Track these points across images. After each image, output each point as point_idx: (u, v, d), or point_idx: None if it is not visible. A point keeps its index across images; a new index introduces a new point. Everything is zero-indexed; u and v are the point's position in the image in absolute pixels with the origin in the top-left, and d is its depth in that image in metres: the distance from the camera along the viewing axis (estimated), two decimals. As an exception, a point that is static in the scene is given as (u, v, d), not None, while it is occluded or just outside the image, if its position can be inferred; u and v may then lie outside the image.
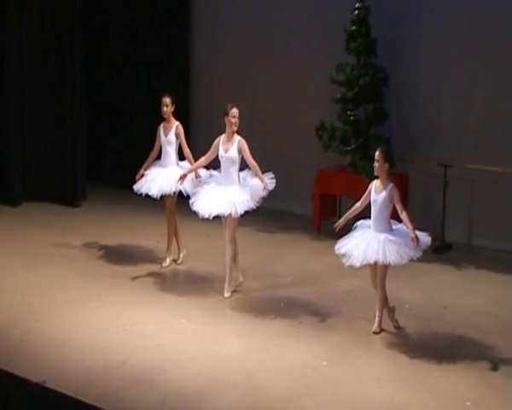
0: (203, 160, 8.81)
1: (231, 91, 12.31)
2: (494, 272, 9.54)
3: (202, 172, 9.02)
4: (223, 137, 8.65)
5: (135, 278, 9.14)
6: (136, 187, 9.39)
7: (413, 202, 10.65)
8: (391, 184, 7.63)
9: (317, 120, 10.72)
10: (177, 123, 9.44)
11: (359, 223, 7.88)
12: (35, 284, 8.93)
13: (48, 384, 6.57)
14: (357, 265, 7.51)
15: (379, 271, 7.65)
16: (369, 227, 7.72)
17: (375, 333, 7.73)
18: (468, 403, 6.49)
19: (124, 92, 12.73)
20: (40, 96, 12.08)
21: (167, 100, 9.39)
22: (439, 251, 10.18)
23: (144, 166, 9.41)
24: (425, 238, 7.63)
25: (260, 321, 8.06)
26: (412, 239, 7.38)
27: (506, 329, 7.95)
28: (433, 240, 10.23)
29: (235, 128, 8.58)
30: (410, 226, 7.42)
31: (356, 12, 10.47)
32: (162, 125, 9.48)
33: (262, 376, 6.93)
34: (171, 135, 9.40)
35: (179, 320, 8.03)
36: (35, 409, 6.31)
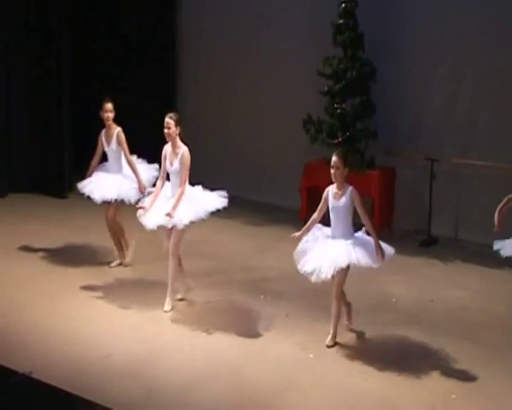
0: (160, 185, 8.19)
1: (218, 86, 12.32)
2: (480, 266, 9.58)
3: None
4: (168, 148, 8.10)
5: (119, 269, 9.11)
6: (79, 186, 9.04)
7: (400, 196, 10.71)
8: (350, 188, 7.20)
9: (304, 112, 10.71)
10: (119, 129, 8.94)
11: (312, 232, 7.33)
12: (20, 276, 8.90)
13: (34, 376, 6.54)
14: (328, 277, 7.03)
15: (338, 277, 7.17)
16: (327, 237, 7.26)
17: (329, 347, 7.31)
18: (453, 396, 6.51)
19: (110, 87, 12.63)
20: (26, 88, 12.03)
21: (109, 105, 8.89)
22: (426, 245, 10.22)
23: (87, 175, 9.05)
24: (389, 250, 7.29)
25: (247, 314, 8.06)
26: (376, 251, 7.06)
27: (492, 322, 7.99)
28: (419, 234, 10.40)
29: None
30: (375, 236, 7.09)
31: (343, 5, 10.46)
32: (103, 132, 9.01)
33: (248, 368, 6.93)
34: (113, 143, 8.95)
35: (167, 312, 8.02)
36: (22, 400, 6.30)
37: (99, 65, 12.97)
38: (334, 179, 7.21)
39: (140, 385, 6.62)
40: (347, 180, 7.24)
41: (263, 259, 9.71)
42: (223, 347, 7.33)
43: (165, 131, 7.96)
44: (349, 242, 7.12)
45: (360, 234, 7.29)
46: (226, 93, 12.35)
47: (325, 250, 7.11)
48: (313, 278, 7.05)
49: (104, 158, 9.19)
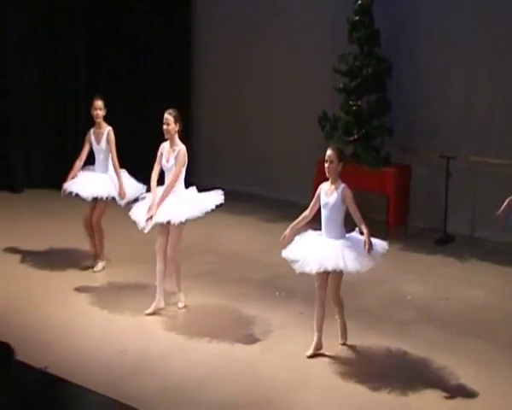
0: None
1: (233, 83, 12.31)
2: (496, 265, 9.54)
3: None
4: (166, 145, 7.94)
5: (134, 265, 9.12)
6: (65, 186, 8.82)
7: (415, 194, 10.68)
8: (342, 185, 6.98)
9: (320, 109, 10.69)
10: (109, 128, 8.76)
11: (307, 233, 7.17)
12: (36, 271, 8.93)
13: (50, 371, 6.56)
14: (313, 272, 6.83)
15: (333, 281, 6.97)
16: (319, 236, 7.07)
17: (309, 357, 7.03)
18: (468, 395, 6.48)
19: (124, 84, 12.65)
20: (42, 86, 12.09)
21: (99, 103, 8.71)
22: (442, 243, 10.19)
23: (70, 176, 8.83)
24: (380, 244, 7.05)
25: (261, 311, 8.05)
26: (365, 243, 6.74)
27: (508, 321, 7.94)
28: (435, 232, 10.37)
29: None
30: (365, 230, 6.79)
31: (359, 2, 10.43)
32: (92, 130, 8.84)
33: (262, 366, 6.92)
34: (103, 142, 8.76)
35: (181, 309, 8.03)
36: (37, 395, 6.32)
37: (113, 61, 12.97)
38: (327, 174, 7.01)
39: (155, 382, 6.63)
40: (342, 176, 7.03)
41: (277, 255, 9.63)
42: (237, 344, 7.33)
43: (164, 127, 7.83)
44: (339, 242, 6.89)
45: (353, 234, 7.04)
46: (241, 90, 12.34)
47: (314, 244, 6.93)
48: (297, 267, 6.89)
49: (89, 160, 8.96)
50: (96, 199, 8.79)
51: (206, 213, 7.86)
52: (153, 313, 7.86)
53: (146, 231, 7.74)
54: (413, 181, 10.65)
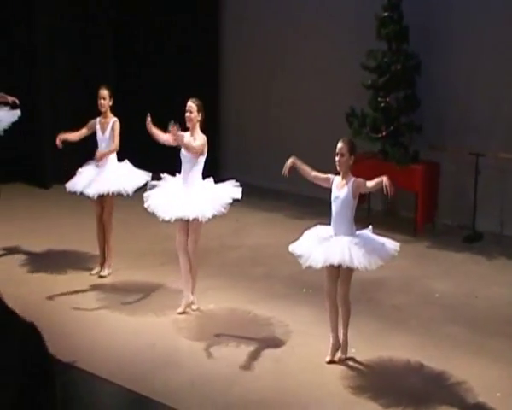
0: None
1: (261, 80, 12.31)
2: (525, 263, 9.47)
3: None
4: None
5: (162, 263, 9.14)
6: (68, 185, 8.67)
7: (444, 191, 10.61)
8: (353, 178, 6.80)
9: (348, 106, 10.66)
10: (115, 119, 8.59)
11: (316, 227, 7.05)
12: (66, 265, 8.99)
13: (78, 365, 6.61)
14: (318, 266, 6.68)
15: (342, 279, 6.76)
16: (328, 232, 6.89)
17: (329, 362, 6.87)
18: (498, 394, 6.44)
19: (152, 89, 12.68)
20: (71, 84, 12.17)
21: (105, 92, 8.54)
22: (470, 241, 10.11)
23: (63, 136, 8.60)
24: (392, 245, 6.85)
25: (289, 307, 8.05)
26: (385, 188, 6.50)
27: (537, 320, 7.89)
28: (463, 229, 10.30)
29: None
30: (380, 179, 6.59)
31: (388, -2, 10.39)
32: (98, 120, 8.65)
33: (291, 361, 6.93)
34: (107, 132, 8.59)
35: (208, 305, 8.05)
36: (65, 389, 6.37)
37: (141, 57, 13.01)
38: (338, 167, 6.86)
39: (182, 376, 6.66)
40: (353, 170, 6.88)
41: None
42: (266, 339, 7.34)
43: (187, 114, 7.73)
44: (347, 239, 6.71)
45: (364, 232, 6.90)
46: (268, 86, 12.34)
47: (321, 240, 6.79)
48: (302, 262, 6.79)
49: (88, 149, 8.85)
50: (102, 196, 8.61)
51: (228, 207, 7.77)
52: (184, 312, 7.84)
53: (167, 219, 7.61)
54: (441, 178, 10.58)
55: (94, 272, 8.80)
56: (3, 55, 11.41)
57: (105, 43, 12.58)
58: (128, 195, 8.50)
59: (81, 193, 8.58)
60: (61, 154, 11.85)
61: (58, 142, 8.65)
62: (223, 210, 7.70)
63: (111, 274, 8.75)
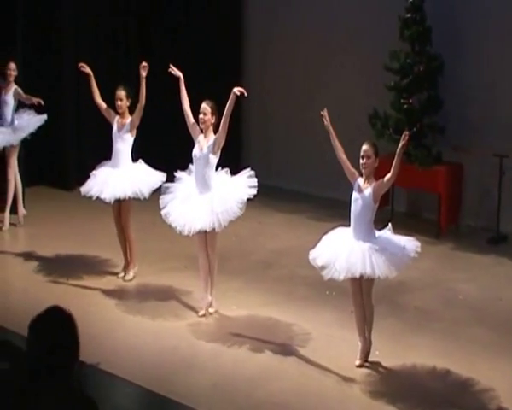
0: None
1: (284, 78, 12.31)
2: (550, 265, 9.39)
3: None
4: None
5: (186, 265, 9.13)
6: (83, 190, 8.62)
7: (468, 193, 10.56)
8: (375, 182, 6.78)
9: (371, 107, 10.63)
10: (131, 118, 8.52)
11: (336, 229, 7.03)
12: (89, 267, 9.03)
13: (102, 367, 6.64)
14: (341, 278, 6.67)
15: (365, 287, 6.75)
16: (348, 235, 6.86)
17: (358, 366, 6.85)
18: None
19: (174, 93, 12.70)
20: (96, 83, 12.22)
21: (122, 93, 8.48)
22: (494, 242, 10.04)
23: (88, 70, 8.64)
24: (413, 246, 6.78)
25: (312, 310, 8.04)
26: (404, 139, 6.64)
27: (562, 322, 7.83)
28: (487, 231, 10.23)
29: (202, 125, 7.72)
30: (396, 157, 6.68)
31: (411, -1, 10.36)
32: (117, 118, 8.59)
33: (313, 364, 6.92)
34: (123, 131, 8.52)
35: (230, 307, 8.05)
36: (89, 390, 6.39)
37: (164, 53, 13.00)
38: (363, 170, 6.81)
39: (205, 378, 6.67)
40: (376, 172, 6.83)
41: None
42: (287, 342, 7.33)
43: (201, 116, 7.69)
44: (367, 246, 6.65)
45: (382, 234, 6.85)
46: (291, 89, 12.33)
47: (342, 249, 6.72)
48: (324, 274, 6.77)
49: (105, 152, 8.83)
50: (118, 200, 8.54)
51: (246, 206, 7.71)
52: (205, 314, 7.84)
53: (185, 234, 7.62)
54: (465, 179, 10.53)
55: (120, 275, 8.81)
56: (31, 59, 11.47)
57: (129, 42, 12.61)
58: (144, 198, 8.47)
59: (97, 198, 8.56)
60: (84, 157, 11.97)
61: (82, 67, 8.71)
62: (238, 214, 7.66)
63: (135, 278, 8.75)
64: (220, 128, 7.65)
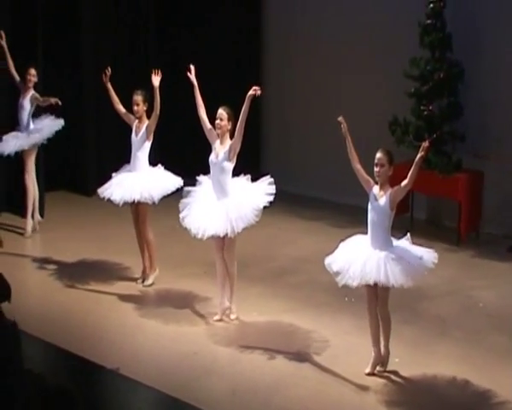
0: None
1: (303, 85, 12.31)
2: None
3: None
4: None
5: (205, 271, 9.11)
6: (100, 190, 8.67)
7: (488, 200, 10.50)
8: (390, 189, 6.73)
9: (390, 114, 10.61)
10: (148, 122, 8.55)
11: (354, 237, 7.00)
12: (108, 272, 9.06)
13: (121, 372, 6.66)
14: (354, 285, 6.65)
15: (380, 295, 6.69)
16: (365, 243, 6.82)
17: (368, 374, 6.80)
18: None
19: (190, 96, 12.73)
20: (115, 89, 12.27)
21: (139, 98, 8.50)
22: (515, 250, 9.99)
23: (107, 81, 8.76)
24: (430, 257, 6.71)
25: (331, 316, 8.02)
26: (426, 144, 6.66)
27: None
28: (508, 239, 10.17)
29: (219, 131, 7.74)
30: (414, 164, 6.62)
31: (431, 5, 10.32)
32: (135, 123, 8.63)
33: (332, 371, 6.90)
34: (140, 135, 8.56)
35: (251, 313, 8.05)
36: (109, 395, 6.42)
37: (183, 59, 13.03)
38: (377, 178, 6.79)
39: (224, 384, 6.67)
40: (395, 178, 6.79)
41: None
42: (307, 348, 7.32)
43: (217, 121, 7.71)
44: (384, 254, 6.61)
45: (401, 242, 6.79)
46: (311, 93, 12.32)
47: (358, 256, 6.69)
48: (338, 280, 6.73)
49: (125, 157, 8.87)
50: (136, 204, 8.57)
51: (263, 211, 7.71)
52: (221, 319, 7.86)
53: (199, 237, 7.65)
54: (485, 187, 10.47)
55: (139, 281, 8.83)
56: (51, 66, 11.54)
57: (148, 44, 12.67)
58: (154, 203, 8.47)
59: (108, 199, 8.59)
60: (103, 162, 12.03)
61: (105, 76, 8.83)
62: (252, 222, 7.64)
63: (154, 283, 8.76)
64: (236, 134, 7.67)
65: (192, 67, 8.00)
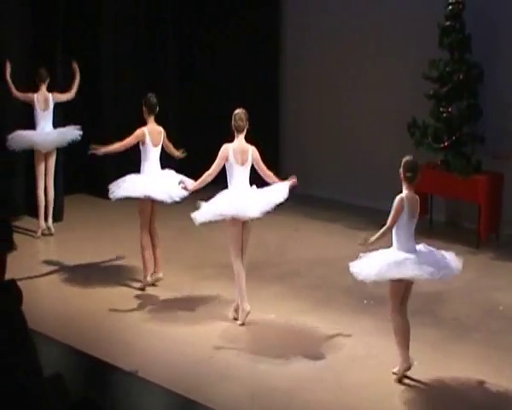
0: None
1: (320, 88, 12.29)
2: None
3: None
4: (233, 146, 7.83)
5: (221, 273, 9.07)
6: (112, 187, 8.74)
7: (508, 202, 10.42)
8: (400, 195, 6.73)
9: (409, 116, 10.56)
10: (161, 129, 8.73)
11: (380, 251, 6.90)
12: (126, 274, 9.07)
13: (140, 374, 6.65)
14: (370, 279, 6.66)
15: (390, 289, 6.75)
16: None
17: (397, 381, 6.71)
18: None
19: (208, 97, 12.74)
20: (134, 93, 12.31)
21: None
22: (536, 252, 9.91)
23: (103, 149, 8.85)
24: (456, 264, 6.71)
25: (350, 318, 7.98)
26: None
27: None
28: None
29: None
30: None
31: (450, 7, 10.26)
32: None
33: (351, 374, 6.86)
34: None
35: (269, 315, 8.02)
36: (126, 398, 6.41)
37: (201, 63, 13.07)
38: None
39: (242, 388, 6.64)
40: (432, 183, 6.80)
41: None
42: (326, 351, 7.28)
43: (238, 123, 7.80)
44: (409, 254, 6.61)
45: (423, 247, 6.76)
46: (328, 95, 12.30)
47: (379, 255, 6.72)
48: (356, 275, 6.77)
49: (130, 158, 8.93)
50: (152, 200, 8.60)
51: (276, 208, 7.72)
52: (243, 323, 7.82)
53: (197, 223, 7.68)
54: (505, 188, 10.39)
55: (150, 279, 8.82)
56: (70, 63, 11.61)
57: (168, 48, 12.72)
58: (175, 202, 8.49)
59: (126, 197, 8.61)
60: (122, 165, 12.02)
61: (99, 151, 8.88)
62: (268, 210, 7.66)
63: (157, 282, 8.72)
64: (199, 182, 7.79)
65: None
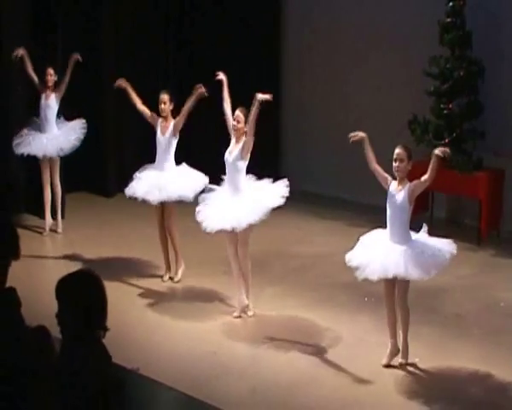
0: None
1: (322, 86, 12.29)
2: None
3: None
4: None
5: (225, 271, 9.09)
6: (128, 192, 8.74)
7: (509, 198, 10.43)
8: (408, 183, 6.81)
9: (410, 113, 10.57)
10: (174, 121, 8.66)
11: (373, 231, 7.10)
12: (128, 272, 9.09)
13: (141, 371, 6.67)
14: (375, 279, 6.74)
15: (399, 287, 6.78)
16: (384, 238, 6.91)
17: (385, 366, 6.88)
18: None
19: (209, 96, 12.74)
20: (137, 89, 12.33)
21: (165, 97, 8.61)
22: (537, 249, 9.92)
23: (126, 84, 8.83)
24: (448, 248, 6.80)
25: (350, 315, 8.01)
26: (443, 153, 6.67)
27: None
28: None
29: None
30: (434, 157, 6.71)
31: (451, 4, 10.27)
32: (159, 121, 8.72)
33: (351, 370, 6.88)
34: (167, 134, 8.64)
35: (269, 311, 8.05)
36: (129, 396, 6.43)
37: (202, 62, 13.07)
38: (396, 173, 6.85)
39: (244, 383, 6.67)
40: (416, 177, 6.82)
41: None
42: (327, 347, 7.31)
43: (234, 123, 7.81)
44: (403, 248, 6.71)
45: (419, 236, 6.87)
46: (329, 93, 12.30)
47: (377, 251, 6.80)
48: (358, 274, 6.82)
49: (145, 158, 8.99)
50: (162, 203, 8.65)
51: (271, 212, 7.73)
52: (240, 316, 7.88)
53: (208, 231, 7.76)
54: (506, 185, 10.41)
55: (165, 278, 8.89)
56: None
57: (168, 43, 12.75)
58: (190, 201, 8.50)
59: (143, 200, 8.64)
60: (124, 163, 12.07)
61: (118, 83, 8.92)
62: (258, 219, 7.63)
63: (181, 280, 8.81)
64: (247, 132, 7.77)
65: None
